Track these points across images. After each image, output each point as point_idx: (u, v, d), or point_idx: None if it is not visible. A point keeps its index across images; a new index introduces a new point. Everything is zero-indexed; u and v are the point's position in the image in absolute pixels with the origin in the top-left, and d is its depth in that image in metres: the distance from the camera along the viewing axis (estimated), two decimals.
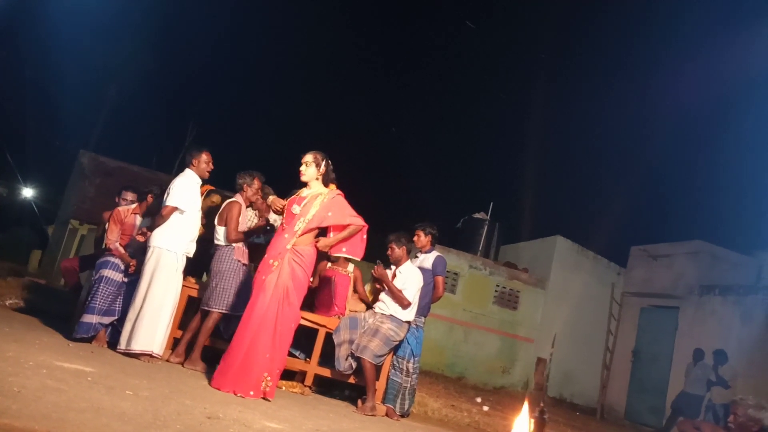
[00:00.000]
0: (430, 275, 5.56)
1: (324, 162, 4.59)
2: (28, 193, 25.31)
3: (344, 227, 4.53)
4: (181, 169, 5.30)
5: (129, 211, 5.53)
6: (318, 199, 4.50)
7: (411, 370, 5.42)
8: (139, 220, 5.48)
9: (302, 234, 4.45)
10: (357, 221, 4.55)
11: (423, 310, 5.54)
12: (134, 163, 14.95)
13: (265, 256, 4.48)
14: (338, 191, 4.63)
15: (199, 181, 5.18)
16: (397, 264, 5.46)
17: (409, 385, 5.39)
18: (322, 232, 4.58)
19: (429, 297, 5.58)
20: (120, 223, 5.44)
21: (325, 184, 4.64)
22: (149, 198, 5.61)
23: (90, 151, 15.37)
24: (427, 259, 5.65)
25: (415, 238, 5.73)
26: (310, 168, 4.56)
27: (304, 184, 4.64)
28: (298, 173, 4.62)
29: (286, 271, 4.36)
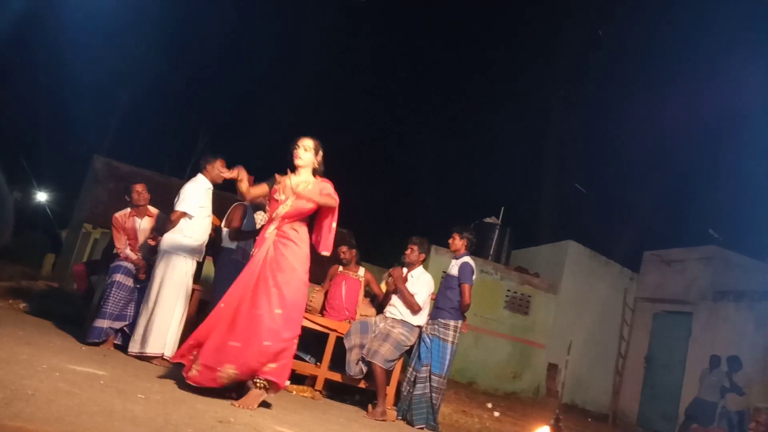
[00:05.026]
0: (455, 282, 5.35)
1: (320, 152, 4.25)
2: (42, 197, 25.53)
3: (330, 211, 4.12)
4: (193, 174, 5.34)
5: (126, 215, 5.48)
6: (302, 186, 4.09)
7: (414, 380, 5.27)
8: (138, 221, 5.44)
9: (286, 217, 4.04)
10: (333, 199, 4.09)
11: (453, 314, 5.30)
12: (146, 168, 15.03)
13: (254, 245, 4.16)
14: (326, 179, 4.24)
15: (210, 187, 5.21)
16: (410, 268, 5.46)
17: (411, 395, 5.23)
18: (310, 227, 4.21)
19: (455, 303, 5.31)
20: (122, 228, 5.43)
21: (314, 175, 4.23)
22: (134, 194, 5.44)
23: (103, 155, 15.47)
24: (455, 266, 5.44)
25: (450, 240, 5.57)
26: (308, 153, 4.17)
27: (292, 170, 4.19)
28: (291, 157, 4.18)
29: (271, 255, 3.96)
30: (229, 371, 3.71)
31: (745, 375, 8.59)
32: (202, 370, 3.73)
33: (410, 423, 5.16)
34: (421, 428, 5.10)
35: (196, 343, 3.85)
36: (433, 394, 5.19)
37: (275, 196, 4.12)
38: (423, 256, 5.49)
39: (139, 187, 5.45)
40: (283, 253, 3.95)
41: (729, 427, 8.36)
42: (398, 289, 5.36)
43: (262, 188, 4.22)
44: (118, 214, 5.49)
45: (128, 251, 5.31)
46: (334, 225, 4.17)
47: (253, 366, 3.75)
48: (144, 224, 5.43)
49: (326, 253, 4.21)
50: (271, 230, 4.03)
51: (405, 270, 5.48)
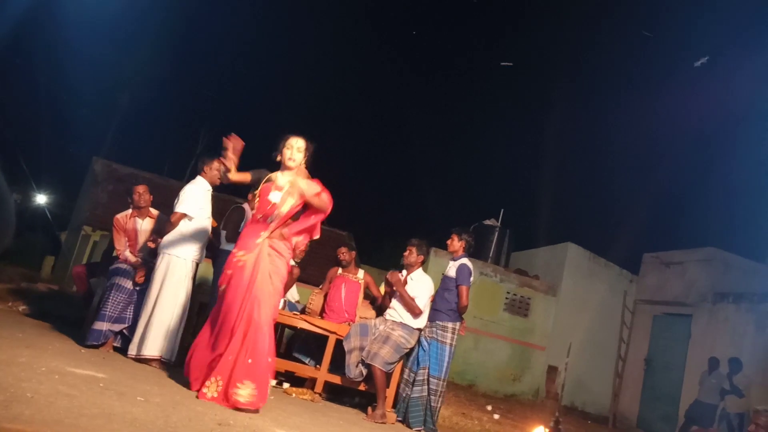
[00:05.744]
0: (453, 283, 5.32)
1: (309, 152, 4.18)
2: (41, 199, 25.53)
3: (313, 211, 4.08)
4: (193, 176, 5.35)
5: (127, 216, 5.49)
6: (296, 187, 4.02)
7: (412, 382, 5.27)
8: (139, 223, 5.46)
9: (277, 227, 3.98)
10: (326, 199, 4.08)
11: (451, 316, 5.27)
12: (146, 170, 15.06)
13: (234, 249, 3.99)
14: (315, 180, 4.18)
15: (210, 189, 5.22)
16: (409, 270, 5.45)
17: (408, 397, 5.24)
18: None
19: (453, 305, 5.28)
20: (123, 230, 5.44)
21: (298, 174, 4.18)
22: (135, 195, 5.47)
23: (102, 157, 15.49)
24: (452, 267, 5.41)
25: (449, 241, 5.54)
26: (301, 154, 4.09)
27: (276, 167, 4.14)
28: (272, 153, 4.14)
29: (263, 266, 3.88)
30: (248, 389, 3.65)
31: (745, 377, 8.59)
32: (222, 389, 3.67)
33: (408, 425, 5.16)
34: (419, 431, 5.10)
35: (211, 361, 3.79)
36: (432, 397, 5.19)
37: (268, 197, 4.01)
38: (422, 257, 5.49)
39: (140, 189, 5.47)
40: (276, 267, 3.94)
41: (729, 430, 8.35)
42: (398, 293, 5.35)
43: (243, 176, 4.10)
44: (119, 215, 5.51)
45: (127, 253, 5.32)
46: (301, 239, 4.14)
47: (264, 382, 3.74)
48: (145, 225, 5.44)
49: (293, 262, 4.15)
50: (263, 237, 3.94)
51: (404, 272, 5.48)
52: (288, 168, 4.10)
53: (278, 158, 4.13)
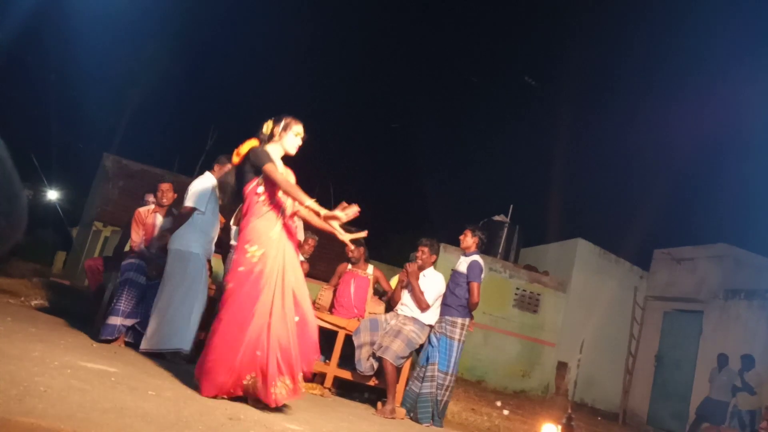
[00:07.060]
0: (464, 279, 5.35)
1: None
2: (52, 195, 25.70)
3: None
4: (202, 172, 5.37)
5: (149, 211, 5.56)
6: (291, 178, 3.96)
7: (422, 378, 5.28)
8: (159, 219, 5.49)
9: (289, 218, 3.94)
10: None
11: (461, 312, 5.30)
12: (156, 166, 15.11)
13: (246, 245, 3.74)
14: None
15: (217, 185, 5.23)
16: (421, 268, 5.45)
17: (417, 393, 5.25)
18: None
19: (463, 301, 5.31)
20: (141, 224, 5.48)
21: None
22: (158, 192, 5.53)
23: (113, 153, 15.55)
24: (464, 263, 5.42)
25: (462, 237, 5.53)
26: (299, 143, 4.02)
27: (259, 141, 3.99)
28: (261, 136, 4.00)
29: (290, 255, 3.83)
30: (285, 387, 3.63)
31: (757, 374, 8.54)
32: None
33: (417, 421, 5.17)
34: (428, 426, 5.10)
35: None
36: (439, 392, 5.21)
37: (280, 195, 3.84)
38: (434, 257, 5.49)
39: (164, 187, 5.52)
40: (294, 258, 3.88)
41: (741, 427, 8.31)
42: (410, 284, 5.36)
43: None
44: (141, 209, 5.59)
45: (143, 247, 5.36)
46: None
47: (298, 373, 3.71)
48: (164, 222, 5.47)
49: None
50: (278, 228, 3.80)
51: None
52: (286, 152, 3.98)
53: (275, 136, 3.96)
